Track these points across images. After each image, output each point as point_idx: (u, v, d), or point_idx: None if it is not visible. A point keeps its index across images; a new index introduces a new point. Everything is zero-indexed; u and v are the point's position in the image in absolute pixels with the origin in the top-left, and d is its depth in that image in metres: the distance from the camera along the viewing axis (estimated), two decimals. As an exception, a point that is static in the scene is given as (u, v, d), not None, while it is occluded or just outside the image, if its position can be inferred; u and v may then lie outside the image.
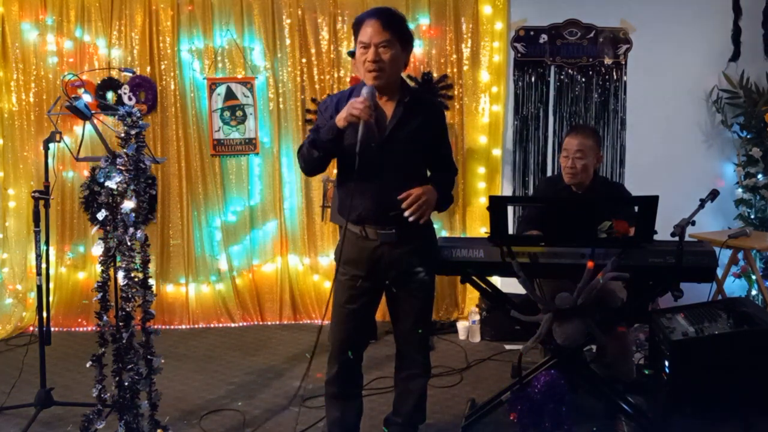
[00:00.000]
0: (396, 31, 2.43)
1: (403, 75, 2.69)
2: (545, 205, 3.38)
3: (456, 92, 4.74)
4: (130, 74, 4.48)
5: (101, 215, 2.53)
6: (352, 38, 2.52)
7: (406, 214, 2.42)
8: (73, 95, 3.13)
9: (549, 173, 4.79)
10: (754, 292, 4.49)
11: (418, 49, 4.64)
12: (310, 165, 2.53)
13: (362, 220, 2.52)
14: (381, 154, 2.45)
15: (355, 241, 2.56)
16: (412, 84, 4.53)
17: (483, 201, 4.74)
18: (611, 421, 3.14)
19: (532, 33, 4.73)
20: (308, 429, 3.15)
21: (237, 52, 4.74)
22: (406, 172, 2.49)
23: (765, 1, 4.62)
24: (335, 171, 2.82)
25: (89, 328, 4.71)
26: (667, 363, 3.26)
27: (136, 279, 2.51)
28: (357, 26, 2.45)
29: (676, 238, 2.76)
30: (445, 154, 2.70)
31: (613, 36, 4.69)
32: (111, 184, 2.49)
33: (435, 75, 4.69)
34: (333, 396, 2.70)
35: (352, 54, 4.25)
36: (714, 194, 3.19)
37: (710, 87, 4.67)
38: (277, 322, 4.88)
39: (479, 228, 4.77)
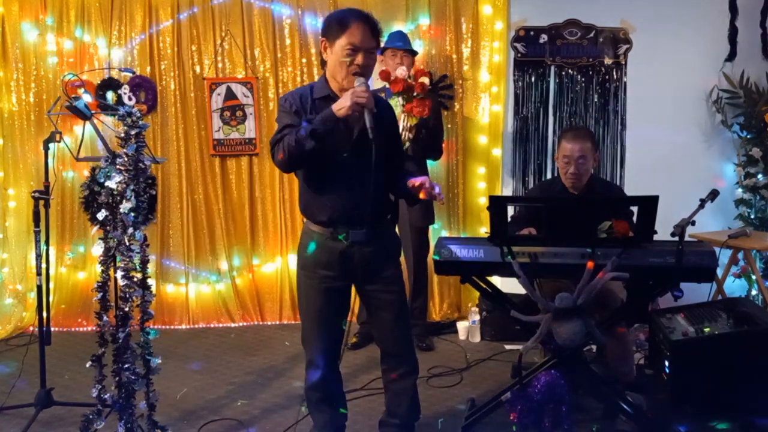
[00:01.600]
0: (378, 39, 2.48)
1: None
2: (545, 205, 3.38)
3: (456, 92, 4.74)
4: (130, 74, 4.48)
5: (101, 215, 2.52)
6: (325, 35, 2.47)
7: (429, 195, 2.45)
8: (73, 95, 3.13)
9: (549, 173, 4.79)
10: (754, 292, 4.49)
11: (418, 49, 4.63)
12: (298, 159, 2.43)
13: (333, 221, 2.52)
14: (354, 156, 2.46)
15: (323, 242, 2.55)
16: (427, 77, 4.54)
17: (483, 201, 4.74)
18: (611, 421, 3.14)
19: (532, 33, 4.73)
20: (308, 429, 3.15)
21: (237, 52, 4.74)
22: (378, 170, 2.48)
23: (763, 1, 4.62)
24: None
25: (89, 328, 4.71)
26: (667, 363, 3.26)
27: (135, 279, 2.51)
28: (341, 25, 2.41)
29: (676, 238, 2.76)
30: (400, 149, 2.80)
31: (613, 36, 4.69)
32: (111, 184, 2.49)
33: (435, 75, 4.69)
34: (319, 401, 2.69)
35: (383, 51, 4.25)
36: (714, 194, 3.19)
37: (710, 87, 4.67)
38: (277, 322, 4.88)
39: (479, 228, 4.77)
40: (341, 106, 2.36)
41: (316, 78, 4.73)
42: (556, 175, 4.21)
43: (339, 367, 2.72)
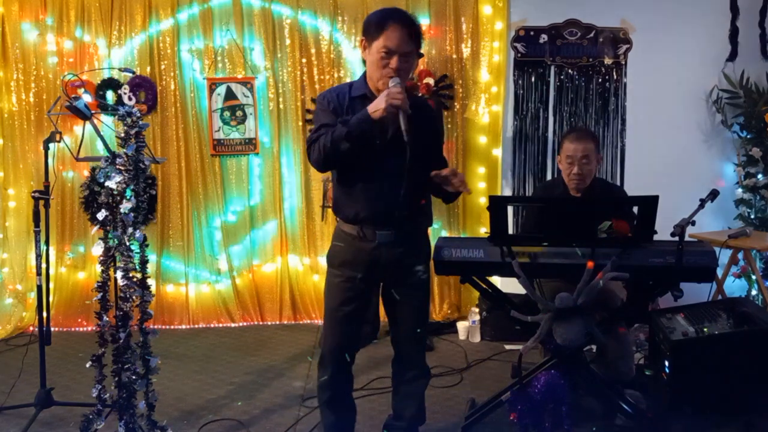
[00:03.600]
0: (418, 42, 2.44)
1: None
2: (545, 205, 3.38)
3: (456, 92, 4.74)
4: (130, 74, 4.47)
5: (101, 215, 2.52)
6: (366, 35, 2.45)
7: (460, 188, 2.42)
8: (73, 95, 3.13)
9: (549, 173, 4.79)
10: (754, 292, 4.49)
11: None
12: (333, 158, 2.42)
13: (360, 220, 2.50)
14: (385, 156, 2.44)
15: (351, 241, 2.55)
16: (432, 78, 4.55)
17: (483, 201, 4.74)
18: (611, 421, 3.14)
19: (532, 33, 4.73)
20: (308, 429, 3.15)
21: (237, 52, 4.74)
22: (410, 173, 2.45)
23: (763, 1, 4.62)
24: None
25: (89, 328, 4.71)
26: (667, 363, 3.27)
27: (135, 279, 2.51)
28: (378, 26, 2.38)
29: (676, 238, 2.76)
30: (441, 154, 2.73)
31: (613, 36, 4.69)
32: (111, 184, 2.49)
33: (435, 75, 4.69)
34: (328, 401, 2.68)
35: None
36: (714, 194, 3.19)
37: (710, 87, 4.67)
38: (277, 322, 4.88)
39: (479, 228, 4.77)
40: (376, 107, 2.33)
41: (316, 78, 4.76)
42: (556, 176, 4.22)
43: (351, 369, 2.69)
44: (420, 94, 3.90)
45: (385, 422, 2.87)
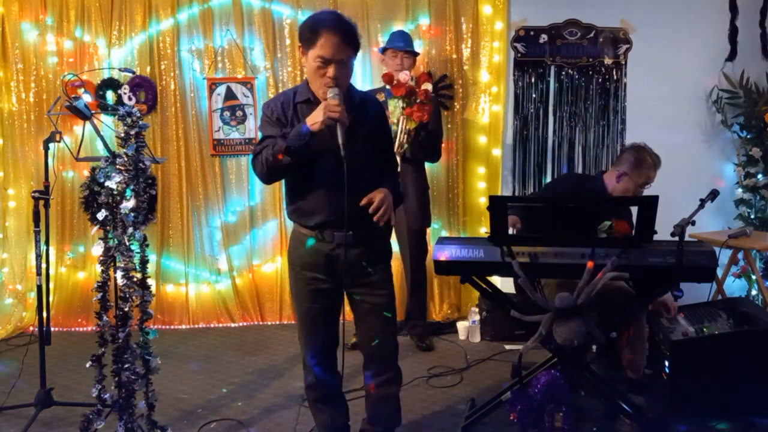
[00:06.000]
0: (354, 45, 2.39)
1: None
2: (544, 205, 3.38)
3: (456, 92, 4.74)
4: (130, 74, 4.48)
5: (101, 215, 2.52)
6: (301, 41, 2.40)
7: (376, 219, 2.40)
8: (73, 95, 3.14)
9: (549, 173, 4.79)
10: (754, 292, 4.49)
11: (418, 49, 4.64)
12: (274, 172, 2.43)
13: (316, 226, 2.50)
14: (332, 164, 2.40)
15: (311, 244, 2.53)
16: (430, 83, 4.54)
17: (483, 201, 4.74)
18: (611, 421, 3.14)
19: (532, 33, 4.73)
20: (308, 429, 3.15)
21: (237, 52, 4.74)
22: (364, 175, 2.44)
23: (763, 0, 4.62)
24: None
25: (89, 328, 4.71)
26: (667, 363, 3.27)
27: (135, 279, 2.51)
28: (312, 33, 2.34)
29: (676, 238, 2.76)
30: (389, 150, 2.72)
31: (613, 36, 4.69)
32: (111, 184, 2.49)
33: (435, 75, 4.69)
34: (317, 400, 2.68)
35: (383, 50, 4.25)
36: (714, 194, 3.19)
37: (710, 87, 4.67)
38: (277, 322, 4.88)
39: (479, 228, 4.77)
40: (314, 120, 2.32)
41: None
42: (590, 173, 4.25)
43: (335, 369, 2.68)
44: (418, 100, 3.89)
45: (360, 428, 2.82)
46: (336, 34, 2.32)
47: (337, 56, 2.34)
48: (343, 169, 2.32)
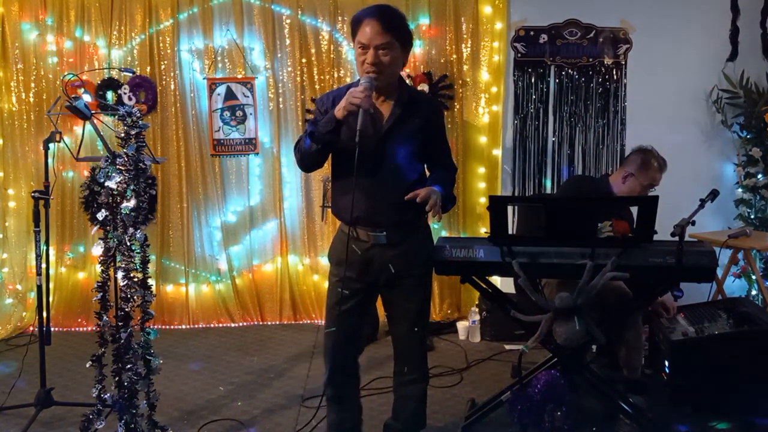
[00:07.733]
0: (396, 32, 2.40)
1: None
2: (544, 205, 3.38)
3: (456, 92, 4.74)
4: (130, 74, 4.48)
5: (101, 215, 2.53)
6: (351, 37, 2.49)
7: (428, 209, 2.36)
8: (73, 95, 3.14)
9: (549, 173, 4.79)
10: (754, 292, 4.49)
11: (418, 49, 4.64)
12: (308, 159, 2.48)
13: (355, 220, 2.49)
14: (377, 154, 2.42)
15: (346, 241, 2.53)
16: (426, 84, 4.53)
17: (483, 201, 4.74)
18: (611, 421, 3.14)
19: (532, 33, 4.73)
20: (308, 429, 3.15)
21: (237, 52, 4.74)
22: (403, 172, 2.45)
23: (764, 1, 4.62)
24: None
25: (89, 328, 4.71)
26: (667, 363, 3.27)
27: (136, 279, 2.51)
28: (355, 25, 2.41)
29: (676, 238, 2.76)
30: (444, 152, 2.68)
31: (613, 36, 4.69)
32: (111, 184, 2.49)
33: (435, 75, 4.69)
34: (330, 399, 2.68)
35: None
36: (714, 194, 3.20)
37: (710, 87, 4.67)
38: (277, 322, 4.88)
39: (479, 228, 4.77)
40: (339, 107, 2.35)
41: (316, 78, 4.76)
42: (589, 173, 4.26)
43: (351, 370, 2.68)
44: None
45: (385, 423, 2.87)
46: (374, 19, 2.36)
47: (374, 41, 2.36)
48: (383, 166, 2.38)
